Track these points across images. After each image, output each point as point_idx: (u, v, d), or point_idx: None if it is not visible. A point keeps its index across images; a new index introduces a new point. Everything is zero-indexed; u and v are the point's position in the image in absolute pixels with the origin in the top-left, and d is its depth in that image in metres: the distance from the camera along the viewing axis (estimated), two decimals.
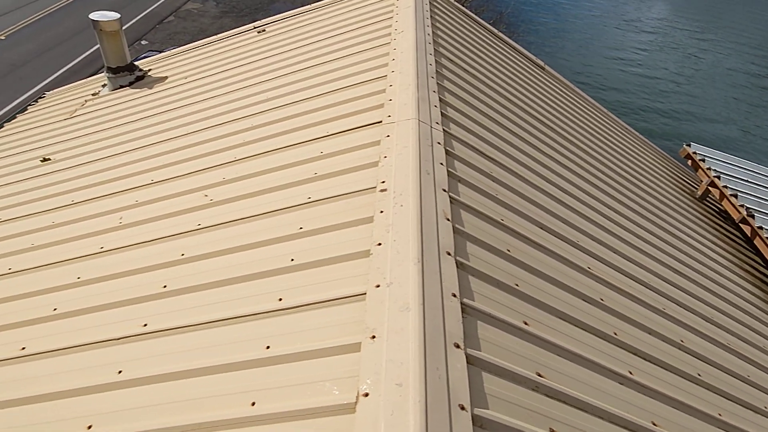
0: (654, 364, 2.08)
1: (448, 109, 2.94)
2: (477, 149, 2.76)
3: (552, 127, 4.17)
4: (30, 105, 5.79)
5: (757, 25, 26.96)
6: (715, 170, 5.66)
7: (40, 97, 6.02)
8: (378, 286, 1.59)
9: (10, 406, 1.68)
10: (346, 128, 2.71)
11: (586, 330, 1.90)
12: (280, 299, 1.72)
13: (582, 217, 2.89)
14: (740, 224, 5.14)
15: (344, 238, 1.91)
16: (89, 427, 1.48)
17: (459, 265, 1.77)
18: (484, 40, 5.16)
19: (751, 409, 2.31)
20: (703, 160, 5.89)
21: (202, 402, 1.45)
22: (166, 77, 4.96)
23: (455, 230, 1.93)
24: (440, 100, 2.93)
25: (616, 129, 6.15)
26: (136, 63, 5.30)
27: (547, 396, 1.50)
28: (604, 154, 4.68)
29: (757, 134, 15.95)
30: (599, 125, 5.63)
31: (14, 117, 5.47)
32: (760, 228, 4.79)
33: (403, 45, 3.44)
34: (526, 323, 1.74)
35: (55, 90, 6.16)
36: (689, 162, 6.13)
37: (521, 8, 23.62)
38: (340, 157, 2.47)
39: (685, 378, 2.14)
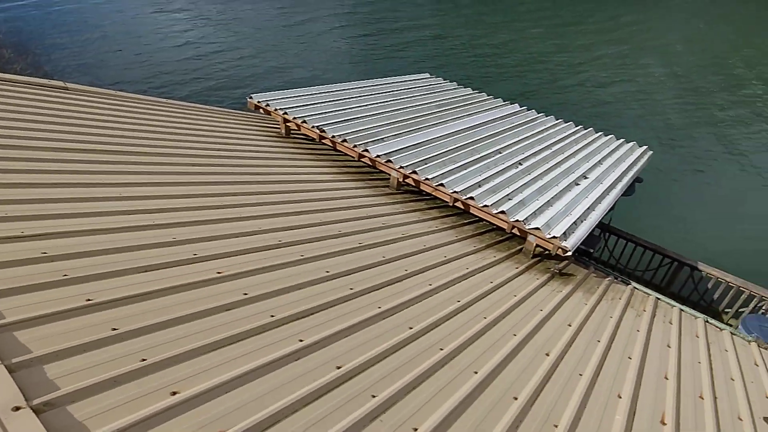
0: None
1: None
2: None
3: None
4: None
5: None
6: (281, 108, 6.09)
7: None
8: None
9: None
10: None
11: None
12: None
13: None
14: (322, 142, 5.89)
15: None
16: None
17: None
18: None
19: None
20: (269, 105, 6.18)
21: None
22: None
23: None
24: None
25: (195, 114, 5.96)
26: None
27: None
28: (188, 137, 4.84)
29: (300, 64, 17.30)
30: (174, 117, 5.51)
31: None
32: (334, 137, 5.65)
33: None
34: None
35: None
36: (260, 111, 6.31)
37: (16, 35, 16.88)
38: None
39: None
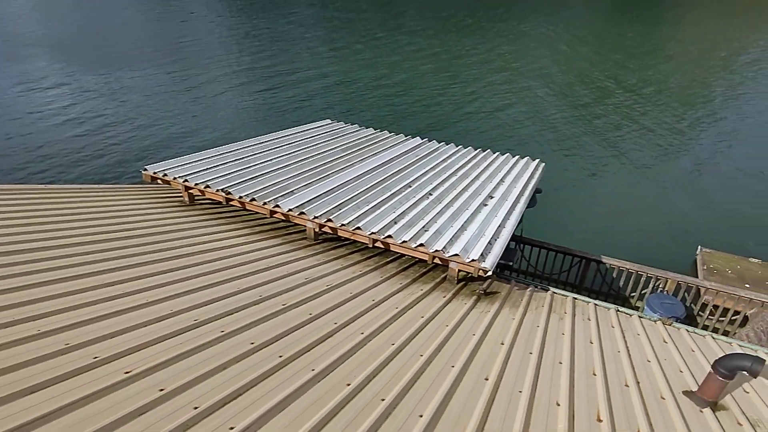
0: None
1: None
2: None
3: None
4: None
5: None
6: (181, 176, 5.82)
7: None
8: None
9: None
10: None
11: None
12: None
13: None
14: (230, 204, 5.69)
15: None
16: None
17: None
18: None
19: None
20: (166, 174, 5.86)
21: None
22: None
23: None
24: None
25: (84, 196, 5.65)
26: None
27: None
28: (76, 223, 4.63)
29: (200, 127, 17.14)
30: (58, 203, 5.15)
31: None
32: (242, 197, 5.47)
33: None
34: None
35: None
36: (159, 182, 5.98)
37: None
38: None
39: None
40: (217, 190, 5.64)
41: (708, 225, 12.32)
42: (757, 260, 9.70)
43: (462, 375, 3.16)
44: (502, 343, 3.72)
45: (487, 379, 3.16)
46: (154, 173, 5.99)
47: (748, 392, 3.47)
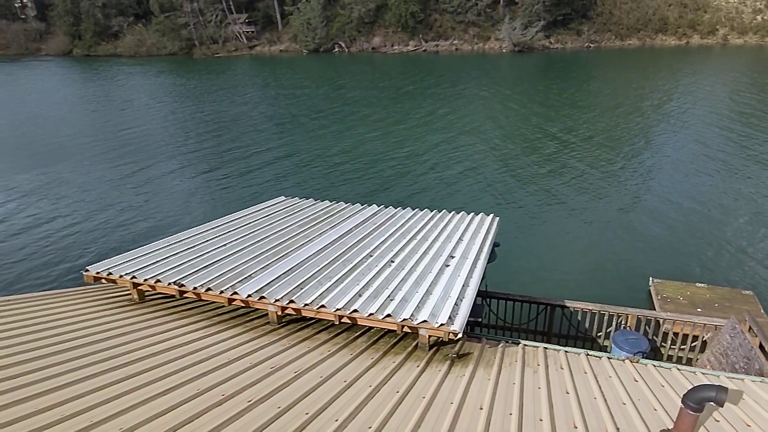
0: None
1: None
2: None
3: None
4: None
5: None
6: (128, 273, 5.54)
7: None
8: None
9: None
10: None
11: None
12: None
13: None
14: (184, 296, 5.47)
15: None
16: None
17: None
18: None
19: None
20: (111, 272, 5.58)
21: None
22: None
23: None
24: None
25: (12, 309, 5.15)
26: None
27: None
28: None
29: (149, 217, 16.69)
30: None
31: None
32: (196, 288, 5.23)
33: None
34: None
35: None
36: (103, 281, 5.68)
37: None
38: None
39: None
40: (169, 284, 5.41)
41: (655, 256, 13.12)
42: (703, 285, 10.35)
43: None
44: (481, 408, 3.66)
45: None
46: (98, 273, 5.68)
47: (718, 420, 3.56)
